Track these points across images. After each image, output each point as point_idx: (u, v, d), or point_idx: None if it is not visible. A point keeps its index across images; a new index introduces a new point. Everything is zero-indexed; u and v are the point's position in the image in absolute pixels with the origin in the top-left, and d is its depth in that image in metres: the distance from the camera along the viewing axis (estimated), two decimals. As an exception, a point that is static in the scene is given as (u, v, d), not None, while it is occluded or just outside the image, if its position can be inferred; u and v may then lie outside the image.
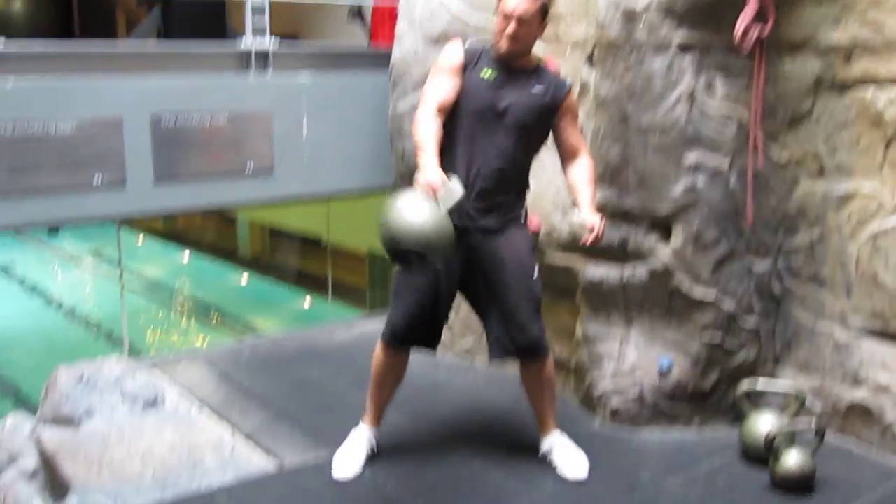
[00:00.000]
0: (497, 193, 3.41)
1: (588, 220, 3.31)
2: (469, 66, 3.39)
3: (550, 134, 3.52)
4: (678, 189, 3.80)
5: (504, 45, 3.34)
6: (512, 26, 3.28)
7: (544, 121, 3.46)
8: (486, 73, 3.38)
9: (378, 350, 3.56)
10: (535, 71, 3.45)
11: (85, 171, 4.35)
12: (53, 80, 4.29)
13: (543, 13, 3.35)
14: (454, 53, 3.41)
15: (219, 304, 10.01)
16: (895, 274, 3.66)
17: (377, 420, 3.66)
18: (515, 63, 3.40)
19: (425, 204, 3.05)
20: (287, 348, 5.10)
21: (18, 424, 4.04)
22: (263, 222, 11.07)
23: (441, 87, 3.34)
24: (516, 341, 3.47)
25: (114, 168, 4.42)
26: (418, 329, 3.48)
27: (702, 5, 3.66)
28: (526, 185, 3.56)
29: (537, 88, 3.41)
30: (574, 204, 3.48)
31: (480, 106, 3.37)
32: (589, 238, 3.30)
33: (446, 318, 3.55)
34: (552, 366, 3.61)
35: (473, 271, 3.47)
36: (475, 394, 4.37)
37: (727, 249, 3.87)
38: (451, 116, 3.37)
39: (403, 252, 3.07)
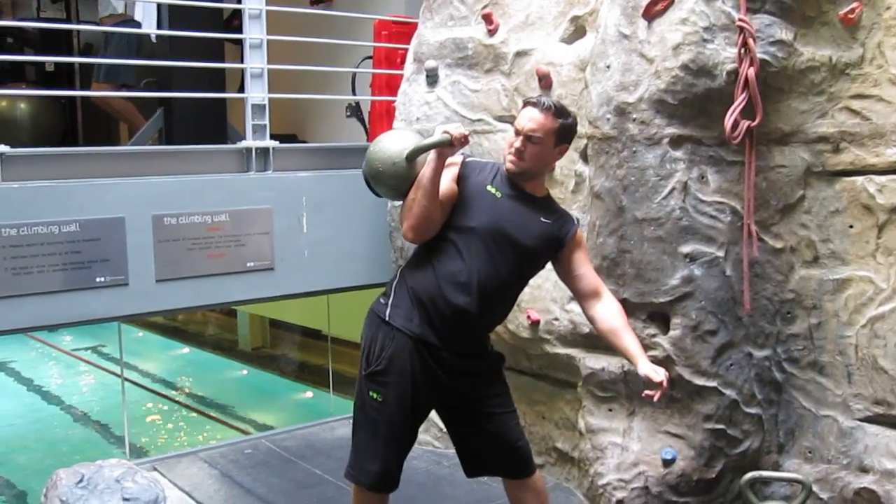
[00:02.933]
0: (480, 321, 3.15)
1: (654, 373, 3.08)
2: (468, 178, 3.18)
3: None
4: (675, 279, 3.84)
5: (508, 162, 3.14)
6: (519, 142, 3.10)
7: (549, 253, 3.25)
8: (493, 189, 3.16)
9: (366, 498, 3.25)
10: (544, 200, 3.25)
11: (88, 272, 4.39)
12: (58, 182, 4.37)
13: (560, 135, 3.13)
14: (453, 163, 3.20)
15: (220, 398, 9.94)
16: (894, 359, 3.67)
17: None
18: (524, 186, 3.19)
19: (395, 140, 3.18)
20: (288, 445, 5.07)
21: (17, 529, 4.00)
22: (264, 315, 11.06)
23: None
24: (511, 461, 3.29)
25: (116, 268, 4.46)
26: (399, 469, 3.26)
27: (691, 100, 3.75)
28: (497, 324, 3.34)
29: (547, 218, 3.20)
30: (626, 357, 3.25)
31: (483, 223, 3.10)
32: (658, 395, 3.09)
33: None
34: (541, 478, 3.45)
35: (449, 396, 3.25)
36: (478, 488, 4.33)
37: (726, 338, 3.89)
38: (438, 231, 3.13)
39: (364, 176, 3.24)
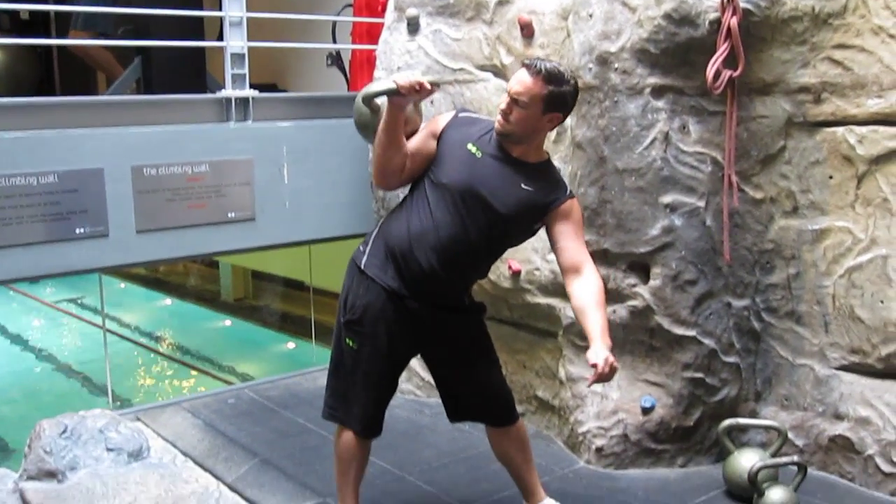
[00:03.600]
0: (448, 281, 3.10)
1: (592, 356, 2.85)
2: (450, 133, 3.10)
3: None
4: (655, 229, 3.85)
5: (496, 122, 3.02)
6: (505, 104, 2.96)
7: (528, 222, 3.10)
8: (474, 147, 3.04)
9: (347, 441, 3.25)
10: (535, 167, 3.07)
11: (67, 224, 4.36)
12: (35, 133, 4.32)
13: (549, 103, 2.93)
14: (438, 118, 3.18)
15: (202, 349, 9.96)
16: (871, 309, 3.71)
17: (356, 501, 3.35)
18: (512, 149, 3.03)
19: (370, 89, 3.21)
20: (271, 395, 5.09)
21: (2, 479, 4.01)
22: (246, 266, 11.05)
23: (412, 140, 3.11)
24: (492, 409, 3.31)
25: (96, 219, 4.44)
26: (381, 415, 3.29)
27: (674, 49, 3.74)
28: (473, 283, 3.29)
29: (530, 185, 3.02)
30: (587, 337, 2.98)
31: (455, 181, 3.02)
32: (592, 379, 2.88)
33: None
34: (524, 425, 3.45)
35: (427, 345, 3.28)
36: (460, 436, 4.38)
37: (706, 288, 3.92)
38: (415, 183, 3.14)
39: None
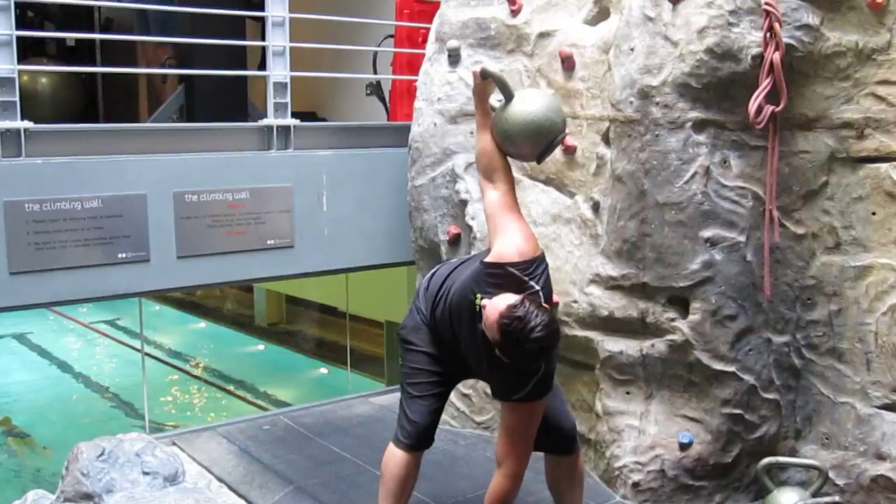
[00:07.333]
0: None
1: None
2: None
3: None
4: (695, 264, 3.83)
5: None
6: None
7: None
8: (479, 296, 2.98)
9: (397, 456, 3.28)
10: None
11: (110, 248, 4.42)
12: (80, 159, 4.40)
13: (497, 346, 2.84)
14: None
15: (236, 373, 10.02)
16: (915, 347, 3.67)
17: None
18: None
19: None
20: (306, 422, 5.10)
21: (39, 501, 4.04)
22: (280, 291, 11.13)
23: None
24: (549, 438, 3.26)
25: (138, 244, 4.50)
26: (435, 427, 3.35)
27: (716, 84, 3.73)
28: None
29: (493, 359, 2.94)
30: None
31: (449, 298, 3.21)
32: None
33: None
34: (582, 459, 3.45)
35: (473, 373, 3.37)
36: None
37: (746, 323, 3.89)
38: None
39: None
